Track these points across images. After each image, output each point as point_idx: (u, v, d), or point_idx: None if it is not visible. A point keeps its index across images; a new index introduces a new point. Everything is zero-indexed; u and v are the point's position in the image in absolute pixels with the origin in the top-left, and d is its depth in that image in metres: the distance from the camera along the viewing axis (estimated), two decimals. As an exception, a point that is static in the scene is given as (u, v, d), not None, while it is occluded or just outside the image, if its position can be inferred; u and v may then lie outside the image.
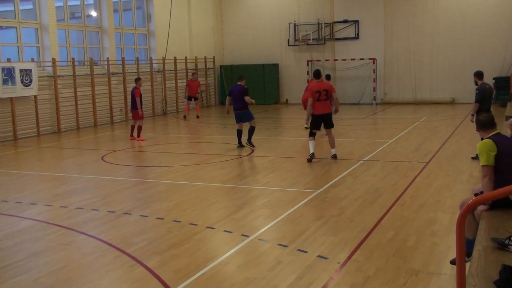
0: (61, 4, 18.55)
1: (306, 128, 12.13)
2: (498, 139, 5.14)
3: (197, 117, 20.77)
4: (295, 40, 25.58)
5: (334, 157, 11.36)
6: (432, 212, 7.40)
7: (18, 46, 17.26)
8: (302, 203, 8.07)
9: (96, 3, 20.37)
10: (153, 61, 22.55)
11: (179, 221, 7.28)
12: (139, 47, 22.80)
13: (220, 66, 26.88)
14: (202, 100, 25.69)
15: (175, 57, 23.54)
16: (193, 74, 21.27)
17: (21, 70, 16.29)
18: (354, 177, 9.72)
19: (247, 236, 6.54)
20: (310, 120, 11.67)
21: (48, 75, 17.81)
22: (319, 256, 5.80)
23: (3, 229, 7.26)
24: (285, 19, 25.77)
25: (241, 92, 12.84)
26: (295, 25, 25.54)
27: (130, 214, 7.75)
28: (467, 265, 3.60)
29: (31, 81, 16.64)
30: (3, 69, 15.83)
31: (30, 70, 16.58)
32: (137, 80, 15.79)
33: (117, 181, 10.15)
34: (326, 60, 25.26)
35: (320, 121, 11.23)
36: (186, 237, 6.61)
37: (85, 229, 7.10)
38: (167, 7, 22.87)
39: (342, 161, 11.30)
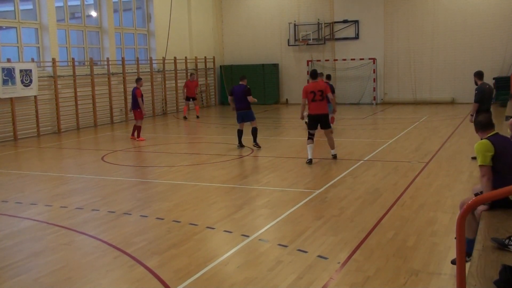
0: (61, 4, 18.56)
1: (306, 123, 12.07)
2: (496, 139, 5.14)
3: (197, 117, 20.77)
4: (295, 40, 25.58)
5: (334, 157, 11.36)
6: (432, 212, 7.40)
7: (18, 46, 17.26)
8: (302, 203, 8.07)
9: (96, 3, 20.37)
10: (153, 61, 22.56)
11: (179, 221, 7.28)
12: (139, 47, 22.80)
13: (220, 66, 26.88)
14: (202, 100, 25.71)
15: (175, 57, 23.54)
16: (191, 74, 21.25)
17: (21, 70, 16.29)
18: (354, 177, 9.72)
19: (247, 236, 6.54)
20: (307, 119, 11.61)
21: (48, 75, 17.81)
22: (319, 256, 5.80)
23: (3, 229, 7.26)
24: (285, 19, 25.78)
25: (244, 92, 12.82)
26: (295, 25, 25.54)
27: (130, 214, 7.75)
28: (467, 265, 3.60)
29: (31, 81, 16.64)
30: (3, 69, 15.83)
31: (30, 70, 16.58)
32: (138, 80, 15.80)
33: (117, 181, 10.15)
34: (326, 60, 25.26)
35: (316, 122, 11.17)
36: (186, 237, 6.61)
37: (85, 229, 7.10)
38: (167, 7, 22.87)
39: (342, 161, 11.30)
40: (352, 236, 6.44)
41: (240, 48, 26.97)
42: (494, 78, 21.16)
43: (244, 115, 12.92)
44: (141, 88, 15.68)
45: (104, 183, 9.94)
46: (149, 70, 22.15)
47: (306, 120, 11.77)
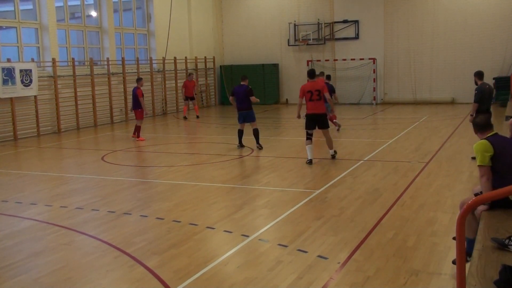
0: (61, 4, 18.56)
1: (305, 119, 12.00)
2: (495, 139, 5.14)
3: (197, 117, 20.77)
4: (295, 40, 25.58)
5: (333, 157, 11.36)
6: (432, 212, 7.40)
7: (18, 46, 17.26)
8: (302, 203, 8.06)
9: (96, 3, 20.37)
10: (153, 61, 22.56)
11: (179, 221, 7.28)
12: (139, 47, 22.80)
13: (220, 66, 26.88)
14: (202, 100, 25.71)
15: (175, 57, 23.54)
16: (189, 74, 21.25)
17: (21, 70, 16.30)
18: (354, 177, 9.72)
19: (247, 236, 6.54)
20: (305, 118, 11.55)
21: (48, 75, 17.81)
22: (319, 256, 5.80)
23: (3, 229, 7.26)
24: (285, 19, 25.78)
25: (246, 92, 12.79)
26: (295, 25, 25.54)
27: (130, 214, 7.75)
28: (467, 265, 3.61)
29: (31, 81, 16.64)
30: (3, 69, 15.83)
31: (30, 70, 16.58)
32: (139, 80, 15.81)
33: (117, 181, 10.15)
34: (326, 60, 25.27)
35: (313, 121, 11.08)
36: (186, 237, 6.61)
37: (85, 229, 7.10)
38: (167, 7, 22.87)
39: (342, 161, 11.30)
40: (352, 236, 6.44)
41: (240, 48, 26.97)
42: (494, 78, 21.15)
43: (246, 115, 12.89)
44: (141, 88, 15.68)
45: (104, 183, 9.94)
46: (149, 70, 22.15)
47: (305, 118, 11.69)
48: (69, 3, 19.24)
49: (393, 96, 24.51)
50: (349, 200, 8.14)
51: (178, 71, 23.70)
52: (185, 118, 20.51)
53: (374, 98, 24.44)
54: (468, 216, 3.49)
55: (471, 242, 4.60)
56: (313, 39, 25.15)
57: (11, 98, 16.24)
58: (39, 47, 17.89)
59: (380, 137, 14.85)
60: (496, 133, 5.28)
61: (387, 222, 7.00)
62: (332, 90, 15.40)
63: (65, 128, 18.20)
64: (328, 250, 5.99)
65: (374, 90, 24.48)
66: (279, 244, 6.23)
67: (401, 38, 24.08)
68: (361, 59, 24.50)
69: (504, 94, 20.45)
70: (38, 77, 17.02)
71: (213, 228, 6.94)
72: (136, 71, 21.24)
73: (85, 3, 19.96)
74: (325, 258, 5.73)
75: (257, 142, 12.98)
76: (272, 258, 5.81)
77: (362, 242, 6.21)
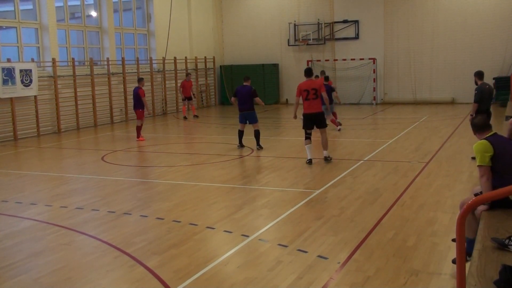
0: (61, 4, 18.56)
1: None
2: (495, 140, 5.14)
3: (195, 116, 20.77)
4: (295, 40, 25.58)
5: (326, 159, 11.09)
6: (432, 212, 7.40)
7: (18, 46, 17.27)
8: (302, 203, 8.06)
9: (96, 3, 20.38)
10: (153, 61, 22.56)
11: (179, 221, 7.28)
12: (139, 47, 22.80)
13: (220, 66, 26.89)
14: (202, 100, 25.71)
15: (175, 57, 23.54)
16: (187, 74, 21.25)
17: (21, 70, 16.30)
18: (354, 177, 9.72)
19: (247, 236, 6.54)
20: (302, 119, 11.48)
21: (48, 75, 17.81)
22: (319, 256, 5.80)
23: (3, 229, 7.26)
24: (285, 19, 25.78)
25: (250, 93, 12.74)
26: (295, 25, 25.54)
27: (130, 214, 7.75)
28: (467, 265, 3.61)
29: (31, 81, 16.64)
30: (3, 69, 15.83)
31: (30, 70, 16.59)
32: (140, 80, 15.82)
33: (117, 181, 10.15)
34: (326, 60, 25.27)
35: (311, 121, 10.97)
36: (186, 237, 6.61)
37: (85, 229, 7.10)
38: (167, 7, 22.87)
39: (342, 161, 11.30)
40: (352, 236, 6.44)
41: (240, 48, 26.97)
42: (494, 78, 21.16)
43: (248, 116, 12.84)
44: (143, 88, 15.71)
45: (104, 183, 9.94)
46: (149, 70, 22.15)
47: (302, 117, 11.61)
48: (69, 3, 19.25)
49: (393, 96, 24.52)
50: (349, 200, 8.14)
51: (178, 71, 23.70)
52: (185, 118, 20.51)
53: (374, 98, 24.45)
54: (468, 216, 3.49)
55: (471, 242, 4.60)
56: (313, 39, 25.16)
57: (11, 98, 16.25)
58: (39, 47, 17.90)
59: (380, 137, 14.85)
60: (495, 133, 5.28)
61: (387, 222, 7.00)
62: (332, 90, 15.39)
63: (65, 128, 18.20)
64: (328, 250, 5.99)
65: (374, 90, 24.49)
66: (279, 244, 6.23)
67: (401, 38, 24.08)
68: (361, 59, 24.51)
69: (504, 94, 20.45)
70: (38, 77, 17.02)
71: (213, 228, 6.93)
72: (136, 71, 21.24)
73: (85, 3, 19.97)
74: (325, 258, 5.73)
75: (258, 143, 12.97)
76: (272, 258, 5.81)
77: (362, 242, 6.21)
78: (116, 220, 7.50)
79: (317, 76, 16.01)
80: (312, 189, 8.88)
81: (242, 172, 10.90)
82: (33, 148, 15.03)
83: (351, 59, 24.73)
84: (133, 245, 6.33)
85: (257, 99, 12.85)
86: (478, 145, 5.13)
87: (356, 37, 24.77)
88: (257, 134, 12.91)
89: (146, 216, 7.59)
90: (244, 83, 12.98)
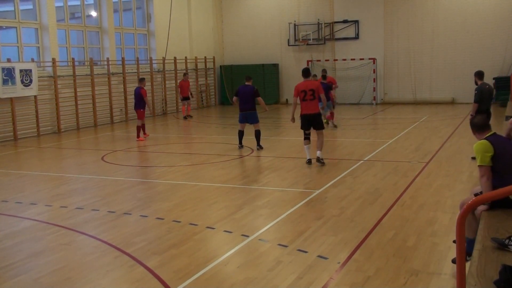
0: (61, 4, 18.56)
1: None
2: (495, 139, 5.14)
3: (189, 116, 20.80)
4: (295, 40, 25.58)
5: (318, 160, 10.72)
6: (432, 212, 7.40)
7: (18, 46, 17.27)
8: (302, 203, 8.07)
9: (96, 3, 20.38)
10: (153, 61, 22.56)
11: (179, 221, 7.28)
12: (139, 47, 22.80)
13: (220, 66, 26.89)
14: (202, 100, 25.72)
15: (175, 57, 23.54)
16: (184, 74, 21.26)
17: (21, 70, 16.30)
18: (354, 177, 9.72)
19: (247, 236, 6.54)
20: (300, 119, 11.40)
21: (48, 75, 17.81)
22: (319, 256, 5.80)
23: (3, 229, 7.26)
24: (285, 19, 25.78)
25: (252, 92, 12.69)
26: (295, 25, 25.54)
27: (130, 214, 7.75)
28: (467, 265, 3.61)
29: (31, 81, 16.64)
30: (3, 69, 15.83)
31: (30, 70, 16.59)
32: (142, 80, 15.85)
33: (117, 181, 10.15)
34: (326, 60, 25.27)
35: (308, 122, 10.84)
36: (186, 237, 6.61)
37: (85, 229, 7.10)
38: (167, 7, 22.88)
39: (342, 161, 11.30)
40: (352, 236, 6.44)
41: (240, 48, 26.97)
42: (494, 78, 21.16)
43: (249, 116, 12.79)
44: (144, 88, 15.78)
45: (104, 183, 9.94)
46: (149, 70, 22.16)
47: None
48: (69, 3, 19.25)
49: (393, 96, 24.52)
50: (349, 200, 8.14)
51: (178, 71, 23.69)
52: (185, 118, 20.52)
53: (374, 98, 24.45)
54: (468, 216, 3.49)
55: (471, 242, 4.60)
56: (313, 39, 25.16)
57: (11, 98, 16.25)
58: (39, 47, 17.90)
59: (380, 137, 14.85)
60: (495, 133, 5.28)
61: (387, 222, 7.00)
62: (327, 89, 15.36)
63: (65, 128, 18.20)
64: (328, 250, 5.99)
65: (374, 90, 24.49)
66: (279, 244, 6.23)
67: (401, 38, 24.08)
68: (361, 59, 24.51)
69: (504, 94, 20.45)
70: (38, 77, 17.02)
71: (213, 228, 6.93)
72: (136, 71, 21.25)
73: (85, 3, 19.97)
74: (325, 258, 5.73)
75: (258, 143, 12.96)
76: (272, 258, 5.81)
77: (362, 242, 6.21)
78: (116, 220, 7.50)
79: (315, 76, 16.00)
80: (312, 189, 8.88)
81: (242, 172, 10.90)
82: (33, 148, 15.03)
83: (351, 59, 24.73)
84: (133, 245, 6.33)
85: (259, 99, 12.82)
86: (478, 145, 5.13)
87: (356, 37, 24.77)
88: (257, 134, 12.89)
89: (146, 216, 7.59)
90: (246, 83, 12.94)
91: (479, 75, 11.18)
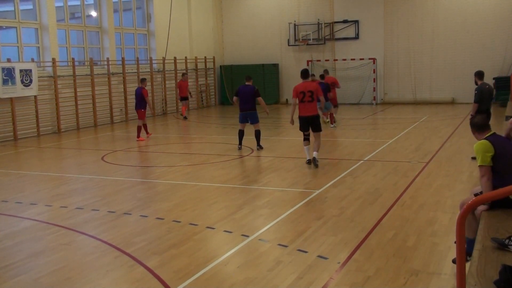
0: (61, 4, 18.56)
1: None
2: (495, 139, 5.15)
3: (182, 115, 20.87)
4: (295, 40, 25.58)
5: (314, 160, 10.56)
6: (432, 212, 7.40)
7: (18, 46, 17.27)
8: (302, 203, 8.07)
9: (96, 3, 20.38)
10: (153, 61, 22.56)
11: (179, 221, 7.28)
12: (139, 47, 22.80)
13: (220, 66, 26.89)
14: (202, 100, 25.72)
15: (175, 57, 23.54)
16: (183, 74, 21.28)
17: (21, 70, 16.30)
18: (354, 177, 9.72)
19: (247, 236, 6.54)
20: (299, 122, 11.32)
21: (48, 75, 17.81)
22: (319, 256, 5.80)
23: (3, 229, 7.26)
24: (285, 19, 25.78)
25: (253, 92, 12.65)
26: (295, 25, 25.54)
27: (130, 214, 7.75)
28: (467, 265, 3.61)
29: (31, 81, 16.64)
30: (3, 69, 15.83)
31: (30, 70, 16.59)
32: (143, 80, 15.89)
33: (117, 181, 10.15)
34: (326, 60, 25.27)
35: (306, 123, 10.70)
36: (186, 237, 6.61)
37: (85, 229, 7.10)
38: (167, 7, 22.87)
39: (342, 161, 11.30)
40: (352, 236, 6.44)
41: (240, 48, 26.97)
42: (494, 78, 21.16)
43: (249, 116, 12.76)
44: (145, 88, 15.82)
45: (104, 183, 9.94)
46: (149, 70, 22.15)
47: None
48: (69, 3, 19.25)
49: (393, 96, 24.52)
50: (349, 200, 8.14)
51: (178, 71, 23.69)
52: (185, 118, 20.52)
53: (374, 98, 24.45)
54: (468, 216, 3.49)
55: (471, 242, 4.60)
56: (313, 39, 25.16)
57: (11, 98, 16.25)
58: (39, 47, 17.90)
59: (380, 137, 14.85)
60: (495, 133, 5.28)
61: (387, 222, 6.99)
62: (326, 90, 15.45)
63: (65, 128, 18.20)
64: (328, 250, 5.99)
65: (374, 90, 24.49)
66: (279, 244, 6.23)
67: (401, 38, 24.08)
68: (361, 59, 24.51)
69: (504, 94, 20.45)
70: (38, 77, 17.02)
71: (213, 228, 6.93)
72: (136, 71, 21.25)
73: (85, 3, 19.97)
74: (325, 258, 5.73)
75: (258, 143, 12.95)
76: (272, 258, 5.81)
77: (362, 242, 6.21)
78: (116, 220, 7.50)
79: (313, 76, 16.00)
80: (312, 189, 8.88)
81: (242, 172, 10.90)
82: (33, 148, 15.03)
83: (351, 59, 24.73)
84: (133, 245, 6.33)
85: (260, 99, 12.78)
86: (478, 145, 5.13)
87: (356, 37, 24.77)
88: (257, 134, 12.89)
89: (146, 216, 7.59)
90: (246, 83, 12.91)
91: (479, 75, 11.18)
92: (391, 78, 24.49)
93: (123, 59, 20.84)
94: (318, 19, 25.14)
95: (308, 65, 25.14)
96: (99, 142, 16.20)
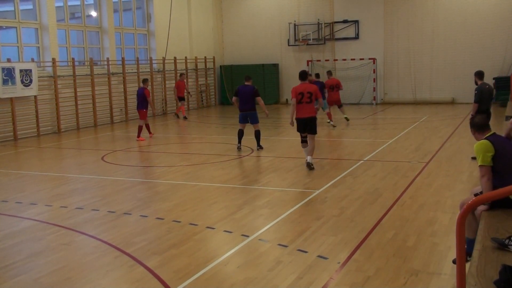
0: (61, 4, 18.56)
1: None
2: (495, 139, 5.15)
3: (176, 115, 20.98)
4: (295, 40, 25.58)
5: (309, 165, 10.44)
6: (432, 212, 7.40)
7: (18, 46, 17.27)
8: (302, 203, 8.07)
9: (96, 3, 20.38)
10: (153, 61, 22.56)
11: (179, 221, 7.28)
12: (139, 47, 22.80)
13: (220, 66, 26.89)
14: (202, 100, 25.72)
15: (175, 57, 23.54)
16: (181, 75, 21.28)
17: (21, 70, 16.30)
18: (354, 177, 9.72)
19: (247, 236, 6.54)
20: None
21: (48, 75, 17.81)
22: (319, 256, 5.80)
23: (3, 229, 7.26)
24: (285, 19, 25.78)
25: (252, 92, 12.62)
26: (295, 25, 25.54)
27: (130, 214, 7.75)
28: (467, 265, 3.61)
29: (31, 81, 16.64)
30: (3, 69, 15.83)
31: (30, 70, 16.58)
32: (145, 81, 15.92)
33: (117, 181, 10.14)
34: (326, 60, 25.27)
35: (303, 125, 10.50)
36: (186, 237, 6.61)
37: (85, 229, 7.10)
38: (167, 7, 22.87)
39: (342, 161, 11.30)
40: (352, 236, 6.44)
41: (240, 48, 26.97)
42: (494, 78, 21.17)
43: (250, 116, 12.75)
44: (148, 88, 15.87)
45: (104, 183, 9.94)
46: (149, 70, 22.15)
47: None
48: (69, 3, 19.25)
49: (393, 96, 24.52)
50: (349, 200, 8.14)
51: (178, 71, 23.69)
52: (185, 118, 20.53)
53: (374, 98, 24.45)
54: (468, 216, 3.49)
55: (471, 242, 4.60)
56: (313, 39, 25.16)
57: (11, 98, 16.25)
58: (39, 47, 17.89)
59: (380, 137, 14.84)
60: (495, 133, 5.28)
61: (387, 222, 6.99)
62: (321, 88, 15.69)
63: (65, 128, 18.20)
64: (328, 250, 5.99)
65: (374, 90, 24.49)
66: (279, 244, 6.23)
67: (401, 38, 24.08)
68: (361, 59, 24.51)
69: (504, 94, 20.45)
70: (38, 77, 17.02)
71: (213, 228, 6.93)
72: (136, 71, 21.25)
73: (85, 3, 19.97)
74: (325, 258, 5.73)
75: (258, 144, 12.94)
76: (272, 258, 5.81)
77: (362, 242, 6.21)
78: (116, 220, 7.50)
79: (309, 75, 16.04)
80: (312, 189, 8.88)
81: (242, 172, 10.90)
82: (33, 148, 15.03)
83: (351, 59, 24.73)
84: (133, 245, 6.33)
85: (259, 99, 12.74)
86: (479, 145, 5.13)
87: (356, 37, 24.77)
88: (257, 135, 12.88)
89: (146, 216, 7.59)
90: (246, 83, 12.87)
91: (479, 75, 11.18)
92: (391, 78, 24.49)
93: (123, 59, 20.84)
94: (318, 19, 25.14)
95: (308, 65, 25.15)
96: (99, 142, 16.20)
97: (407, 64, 24.12)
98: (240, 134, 12.97)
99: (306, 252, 5.94)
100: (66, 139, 16.51)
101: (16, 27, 17.10)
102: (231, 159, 12.00)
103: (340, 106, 17.49)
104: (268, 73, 25.96)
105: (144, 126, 15.42)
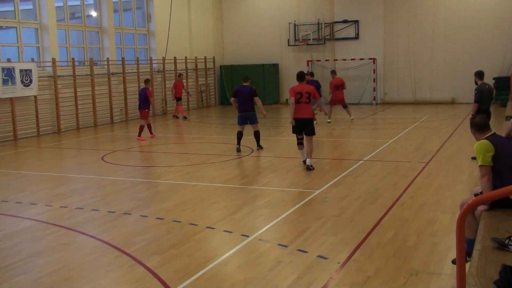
0: (61, 4, 18.56)
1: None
2: (495, 139, 5.15)
3: (175, 116, 20.97)
4: (295, 40, 25.58)
5: (308, 168, 10.34)
6: (432, 212, 7.40)
7: (18, 46, 17.26)
8: (302, 203, 8.07)
9: (96, 3, 20.37)
10: (153, 61, 22.56)
11: (179, 221, 7.28)
12: (139, 47, 22.80)
13: (220, 66, 26.88)
14: (202, 100, 25.72)
15: (175, 57, 23.54)
16: (179, 75, 21.29)
17: (21, 70, 16.29)
18: (354, 177, 9.72)
19: (247, 236, 6.54)
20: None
21: (48, 75, 17.81)
22: (319, 256, 5.80)
23: (3, 229, 7.26)
24: (285, 19, 25.78)
25: (251, 93, 12.58)
26: (295, 25, 25.54)
27: (130, 214, 7.75)
28: (467, 265, 3.61)
29: (31, 81, 16.64)
30: (3, 69, 15.83)
31: (30, 70, 16.58)
32: (147, 81, 15.97)
33: (117, 181, 10.14)
34: (326, 60, 25.27)
35: (300, 126, 10.38)
36: (186, 237, 6.61)
37: (85, 229, 7.10)
38: (167, 7, 22.87)
39: (342, 161, 11.30)
40: (352, 236, 6.44)
41: (240, 48, 26.97)
42: (494, 78, 21.16)
43: (249, 117, 12.73)
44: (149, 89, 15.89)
45: (104, 183, 9.94)
46: (149, 70, 22.15)
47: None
48: (69, 3, 19.24)
49: (393, 96, 24.52)
50: (349, 200, 8.14)
51: (178, 71, 23.68)
52: (184, 118, 20.53)
53: (374, 98, 24.45)
54: (468, 216, 3.49)
55: (471, 242, 4.60)
56: (313, 39, 25.16)
57: (11, 98, 16.24)
58: (39, 47, 17.89)
59: (380, 137, 14.84)
60: (495, 133, 5.28)
61: (387, 222, 7.00)
62: (317, 87, 15.85)
63: (65, 128, 18.20)
64: (328, 250, 5.99)
65: (374, 90, 24.49)
66: (279, 244, 6.23)
67: (401, 38, 24.08)
68: (361, 59, 24.51)
69: (504, 94, 20.45)
70: (38, 77, 17.02)
71: (213, 228, 6.93)
72: (136, 71, 21.25)
73: (85, 3, 19.96)
74: (325, 258, 5.73)
75: (258, 144, 12.94)
76: (272, 258, 5.81)
77: (362, 242, 6.21)
78: (116, 220, 7.50)
79: (307, 74, 16.06)
80: (312, 189, 8.88)
81: (242, 172, 10.90)
82: (33, 148, 15.03)
83: (351, 59, 24.73)
84: (133, 245, 6.33)
85: (257, 99, 12.70)
86: (479, 145, 5.13)
87: (356, 37, 24.77)
88: (257, 135, 12.87)
89: (146, 216, 7.59)
90: (244, 83, 12.83)
91: (479, 75, 11.18)
92: (391, 78, 24.49)
93: (123, 59, 20.84)
94: (318, 19, 25.14)
95: (308, 65, 25.15)
96: (99, 142, 16.20)
97: (407, 64, 24.12)
98: (240, 135, 12.91)
99: (306, 252, 5.94)
100: (66, 139, 16.51)
101: (16, 27, 17.10)
102: (231, 159, 12.00)
103: (345, 106, 17.89)
104: (268, 73, 25.96)
105: (145, 126, 15.43)
